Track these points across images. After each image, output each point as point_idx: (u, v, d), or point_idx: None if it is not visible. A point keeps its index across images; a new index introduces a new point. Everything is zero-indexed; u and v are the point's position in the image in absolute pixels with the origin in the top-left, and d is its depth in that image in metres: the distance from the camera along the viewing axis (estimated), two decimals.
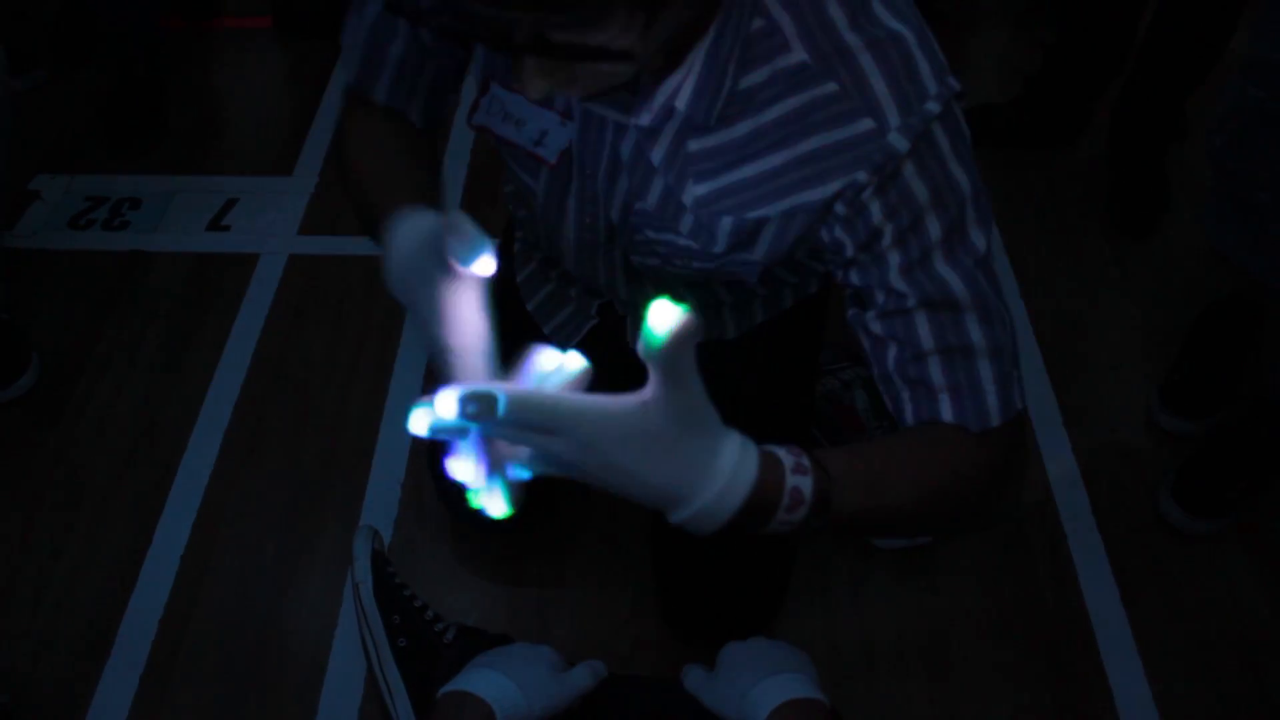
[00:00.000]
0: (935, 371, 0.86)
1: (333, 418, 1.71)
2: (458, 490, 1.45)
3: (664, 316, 0.57)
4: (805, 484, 0.71)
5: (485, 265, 0.66)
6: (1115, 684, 1.43)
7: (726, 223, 0.92)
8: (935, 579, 1.53)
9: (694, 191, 0.92)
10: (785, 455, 0.71)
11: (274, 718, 1.38)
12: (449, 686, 0.96)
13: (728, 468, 0.66)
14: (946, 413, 0.87)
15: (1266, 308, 1.55)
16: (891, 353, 0.88)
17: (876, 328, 0.89)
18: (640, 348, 0.59)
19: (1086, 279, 1.98)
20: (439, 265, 0.69)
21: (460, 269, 0.67)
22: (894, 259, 0.85)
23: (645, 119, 0.87)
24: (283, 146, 2.23)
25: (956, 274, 0.85)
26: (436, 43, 1.00)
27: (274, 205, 2.09)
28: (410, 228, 0.76)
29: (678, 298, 0.58)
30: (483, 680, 0.96)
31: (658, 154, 0.91)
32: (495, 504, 0.67)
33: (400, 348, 1.81)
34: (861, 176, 0.83)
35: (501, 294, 1.35)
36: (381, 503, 1.60)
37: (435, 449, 1.43)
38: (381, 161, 0.99)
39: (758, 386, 1.26)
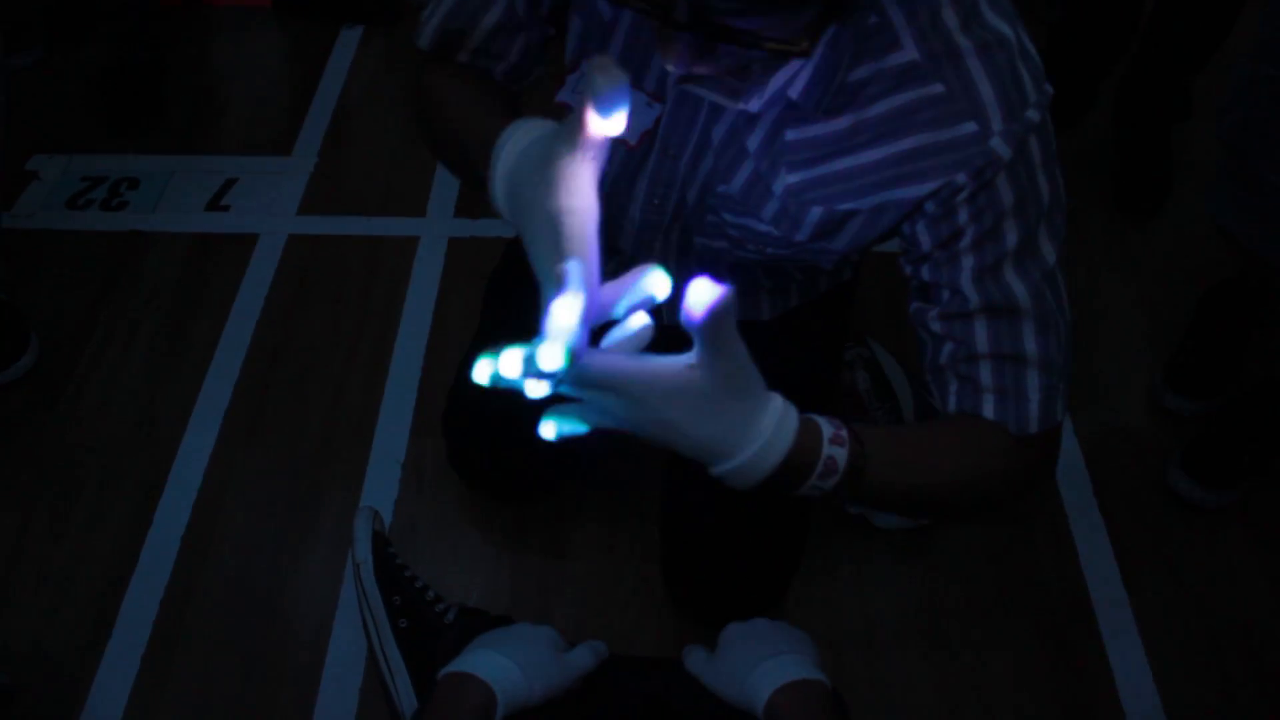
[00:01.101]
0: (985, 373, 0.89)
1: (333, 398, 1.71)
2: (470, 457, 1.44)
3: (702, 295, 0.59)
4: (840, 454, 0.74)
5: (618, 121, 0.63)
6: (1116, 663, 1.43)
7: (815, 213, 0.94)
8: (937, 559, 1.53)
9: (786, 180, 0.93)
10: (825, 424, 0.74)
11: (275, 698, 1.38)
12: (450, 667, 0.96)
13: (769, 428, 0.69)
14: (989, 411, 0.90)
15: (1273, 287, 1.54)
16: (946, 349, 0.91)
17: (937, 326, 0.92)
18: (683, 322, 0.61)
19: (1091, 259, 1.98)
20: (561, 146, 0.66)
21: (593, 119, 0.63)
22: (968, 262, 0.88)
23: (755, 104, 0.87)
24: (282, 126, 2.22)
25: (1024, 284, 0.88)
26: (533, 14, 0.99)
27: (273, 185, 2.08)
28: (525, 130, 0.74)
29: (720, 279, 0.60)
30: (484, 661, 0.95)
31: (754, 140, 0.92)
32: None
33: (400, 327, 1.81)
34: (960, 179, 0.85)
35: (523, 283, 1.36)
36: (382, 483, 1.60)
37: (449, 417, 1.44)
38: (474, 104, 0.95)
39: (787, 367, 1.26)
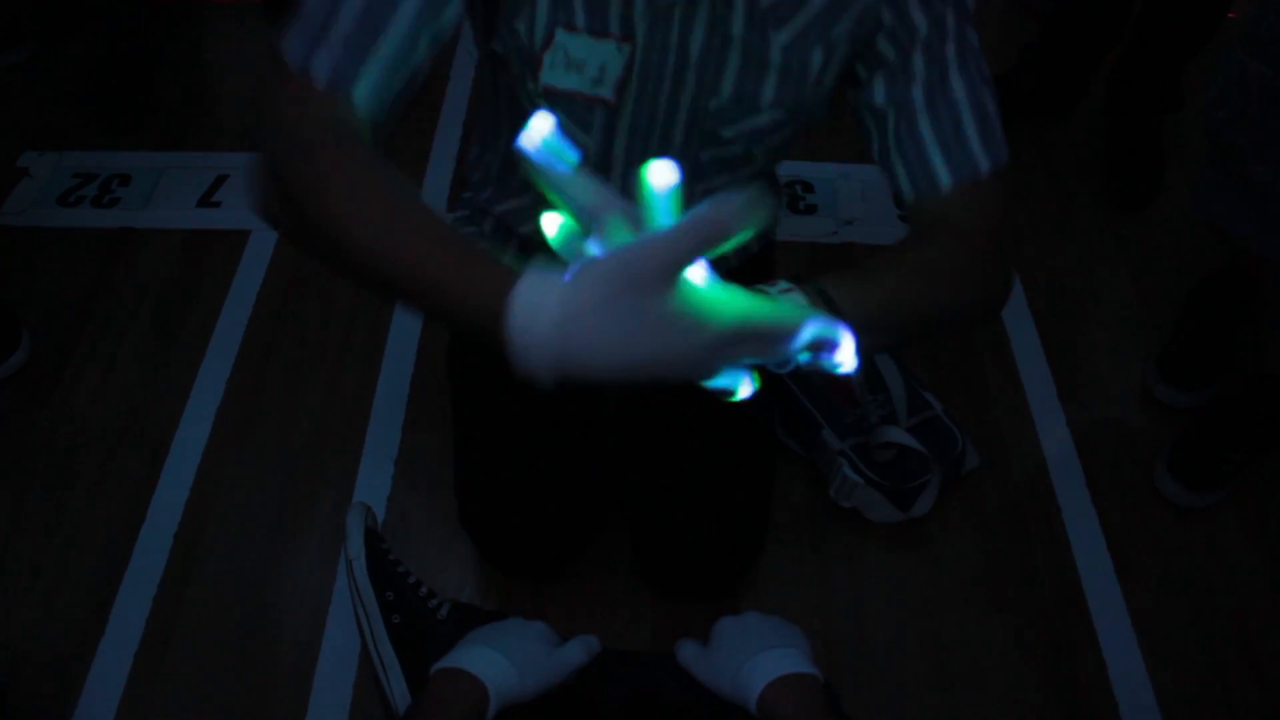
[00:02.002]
0: (926, 129, 0.96)
1: (325, 394, 1.71)
2: (486, 530, 1.44)
3: (663, 173, 0.58)
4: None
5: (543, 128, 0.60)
6: (1109, 657, 1.43)
7: (818, 54, 0.97)
8: (929, 553, 1.53)
9: (779, 41, 0.95)
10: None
11: (268, 694, 1.38)
12: (442, 663, 0.96)
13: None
14: (942, 173, 0.96)
15: (1263, 281, 1.54)
16: (890, 123, 0.97)
17: (880, 96, 0.97)
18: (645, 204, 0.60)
19: (1082, 251, 1.98)
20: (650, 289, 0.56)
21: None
22: (920, 23, 0.94)
23: None
24: None
25: (956, 34, 0.95)
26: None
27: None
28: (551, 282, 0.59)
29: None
30: (476, 656, 0.96)
31: (738, 23, 0.94)
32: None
33: (392, 323, 1.81)
34: None
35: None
36: (375, 479, 1.60)
37: (464, 497, 1.42)
38: (421, 242, 0.70)
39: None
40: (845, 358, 0.62)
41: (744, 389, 0.61)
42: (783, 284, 0.79)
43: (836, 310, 0.78)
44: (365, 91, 0.83)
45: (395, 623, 1.26)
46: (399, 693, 1.23)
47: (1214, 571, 1.53)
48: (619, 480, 1.44)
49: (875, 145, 1.00)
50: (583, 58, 0.97)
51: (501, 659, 0.95)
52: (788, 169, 1.64)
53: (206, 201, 2.03)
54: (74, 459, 1.62)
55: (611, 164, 1.07)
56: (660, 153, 1.05)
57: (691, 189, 1.10)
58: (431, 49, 0.88)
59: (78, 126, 2.17)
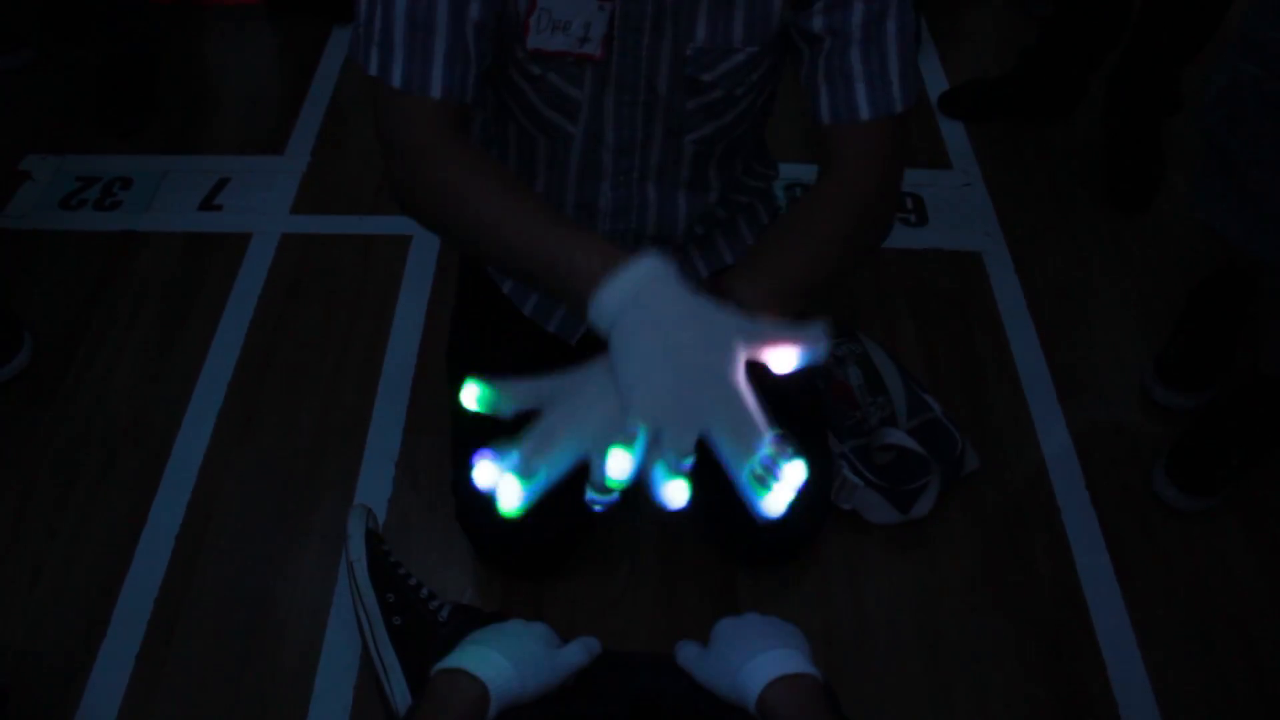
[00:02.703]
0: (855, 61, 1.03)
1: (326, 397, 1.71)
2: (484, 530, 1.47)
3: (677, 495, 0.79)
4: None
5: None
6: (1109, 657, 1.44)
7: None
8: (929, 554, 1.54)
9: None
10: None
11: (269, 696, 1.39)
12: (442, 664, 0.96)
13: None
14: (862, 105, 1.03)
15: (1259, 282, 1.55)
16: (823, 48, 1.03)
17: (818, 23, 1.02)
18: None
19: (1081, 252, 1.98)
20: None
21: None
22: None
23: None
24: (274, 125, 2.22)
25: None
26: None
27: (266, 184, 2.08)
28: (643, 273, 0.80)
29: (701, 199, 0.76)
30: (476, 657, 0.96)
31: None
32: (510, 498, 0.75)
33: (393, 326, 1.81)
34: None
35: (492, 310, 1.38)
36: (376, 481, 1.60)
37: (462, 495, 1.44)
38: (527, 214, 0.91)
39: None
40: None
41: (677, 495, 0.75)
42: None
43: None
44: (439, 88, 0.98)
45: (396, 624, 1.26)
46: (399, 694, 1.24)
47: (1214, 572, 1.53)
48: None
49: (804, 67, 1.07)
50: (566, 18, 1.02)
51: (502, 660, 0.95)
52: (788, 171, 1.64)
53: (208, 204, 2.04)
54: (76, 461, 1.62)
55: (603, 116, 1.12)
56: (647, 103, 1.11)
57: (680, 140, 1.17)
58: (481, 37, 1.00)
59: (80, 130, 2.18)
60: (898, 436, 1.52)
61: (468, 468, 1.39)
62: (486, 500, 1.38)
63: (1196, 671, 1.43)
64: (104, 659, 1.41)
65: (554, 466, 0.79)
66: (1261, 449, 1.58)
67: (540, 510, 1.41)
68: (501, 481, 0.75)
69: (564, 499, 1.38)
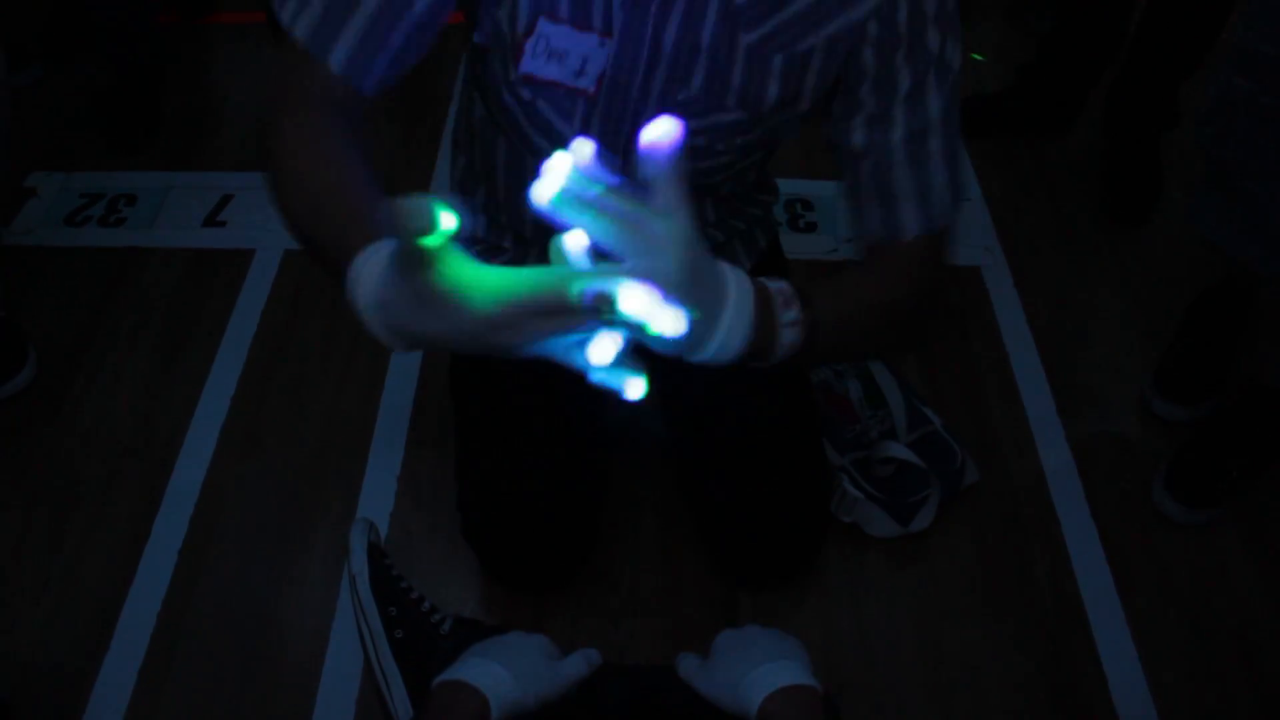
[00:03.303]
0: (902, 178, 1.01)
1: (329, 411, 1.72)
2: (491, 548, 1.47)
3: (662, 130, 0.59)
4: (785, 286, 0.79)
5: (446, 218, 0.53)
6: (1110, 669, 1.44)
7: (778, 63, 0.99)
8: (929, 566, 1.54)
9: (745, 40, 0.98)
10: (766, 281, 0.78)
11: (272, 709, 1.39)
12: (443, 676, 0.97)
13: (734, 284, 0.71)
14: (909, 220, 1.01)
15: (1257, 294, 1.55)
16: (866, 165, 1.02)
17: (859, 137, 1.01)
18: (644, 159, 0.60)
19: (1081, 266, 1.99)
20: (414, 271, 0.58)
21: (422, 246, 0.55)
22: (904, 79, 0.98)
23: None
24: None
25: (939, 94, 1.00)
26: None
27: (269, 201, 2.08)
28: (374, 261, 0.67)
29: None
30: (477, 669, 0.96)
31: (710, 19, 0.97)
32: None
33: None
34: None
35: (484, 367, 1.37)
36: (378, 495, 1.60)
37: (467, 511, 1.44)
38: (341, 187, 0.84)
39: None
40: (659, 318, 0.54)
41: (631, 389, 0.60)
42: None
43: (809, 304, 0.81)
44: (341, 59, 0.90)
45: (398, 637, 1.26)
46: (401, 707, 1.24)
47: (1214, 584, 1.53)
48: (630, 487, 1.48)
49: (847, 181, 1.05)
50: (564, 48, 0.99)
51: (503, 672, 0.96)
52: (788, 187, 1.66)
53: (212, 221, 2.05)
54: (80, 475, 1.63)
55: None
56: (631, 140, 1.07)
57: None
58: (413, 36, 0.93)
59: (84, 147, 2.19)
60: (898, 450, 1.52)
61: (472, 481, 1.41)
62: (491, 516, 1.40)
63: (1197, 683, 1.43)
64: (107, 673, 1.41)
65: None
66: (1261, 461, 1.58)
67: (545, 525, 1.42)
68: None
69: (568, 514, 1.40)
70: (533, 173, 0.73)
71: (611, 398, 0.63)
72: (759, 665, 0.98)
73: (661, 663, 1.11)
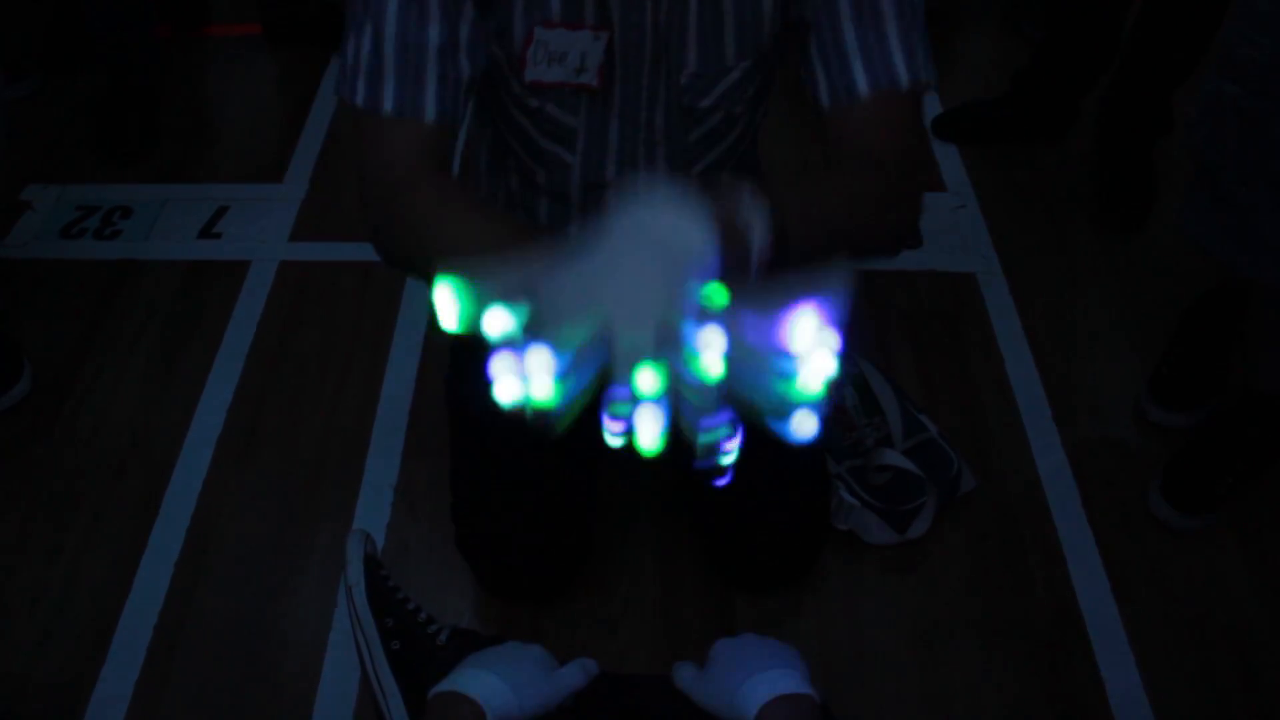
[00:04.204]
0: (850, 36, 1.00)
1: (325, 423, 1.72)
2: (486, 559, 1.47)
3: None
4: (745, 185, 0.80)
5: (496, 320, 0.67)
6: (1107, 676, 1.44)
7: None
8: (925, 574, 1.54)
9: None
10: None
11: None
12: (440, 686, 0.97)
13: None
14: (860, 79, 0.99)
15: (1248, 300, 1.56)
16: (815, 31, 1.02)
17: (809, 9, 1.01)
18: None
19: (1076, 273, 1.99)
20: None
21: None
22: None
23: None
24: (273, 154, 2.23)
25: None
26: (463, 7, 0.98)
27: (265, 212, 2.09)
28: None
29: None
30: (473, 679, 0.96)
31: None
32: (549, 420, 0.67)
33: (391, 352, 1.82)
34: None
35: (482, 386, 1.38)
36: (374, 506, 1.60)
37: (461, 521, 1.44)
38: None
39: None
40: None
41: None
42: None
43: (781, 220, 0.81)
44: (433, 108, 0.97)
45: (394, 649, 1.26)
46: (398, 718, 1.24)
47: (1211, 590, 1.53)
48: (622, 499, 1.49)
49: (804, 60, 1.05)
50: (562, 49, 1.02)
51: (499, 682, 0.96)
52: None
53: (207, 233, 2.05)
54: (76, 488, 1.63)
55: (606, 148, 1.12)
56: (648, 138, 1.11)
57: (685, 173, 1.17)
58: (472, 59, 0.99)
59: (80, 160, 2.20)
60: (894, 457, 1.53)
61: (466, 492, 1.41)
62: (485, 526, 1.40)
63: (1195, 688, 1.43)
64: (104, 685, 1.41)
65: (576, 354, 0.70)
66: (1256, 467, 1.59)
67: (539, 536, 1.42)
68: (533, 381, 0.67)
69: (562, 525, 1.40)
70: (544, 186, 0.79)
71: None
72: (755, 674, 0.97)
73: (658, 672, 1.11)
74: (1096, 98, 2.16)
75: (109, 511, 1.60)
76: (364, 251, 1.99)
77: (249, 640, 1.46)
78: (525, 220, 1.23)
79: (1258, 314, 1.52)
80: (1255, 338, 1.55)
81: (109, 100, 2.23)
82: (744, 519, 1.43)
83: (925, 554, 1.56)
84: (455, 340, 1.48)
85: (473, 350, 1.45)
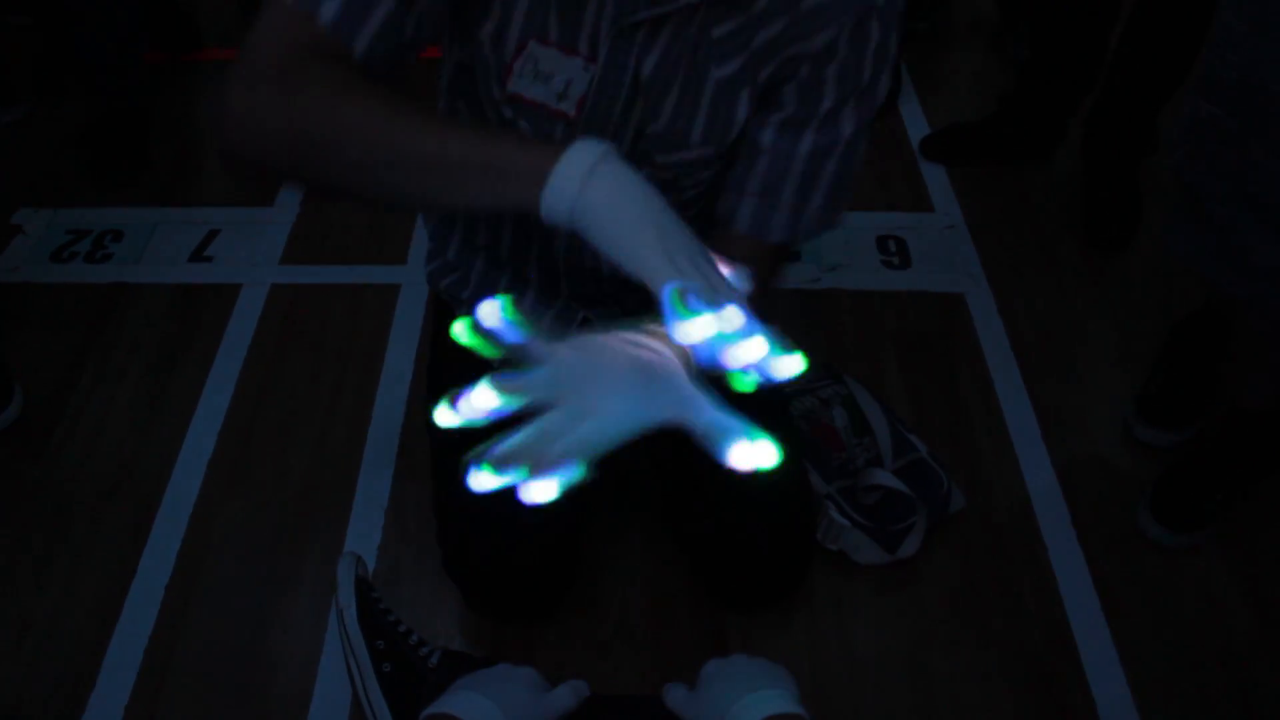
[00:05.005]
0: (788, 191, 1.08)
1: (316, 445, 1.72)
2: (474, 580, 1.46)
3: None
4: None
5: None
6: (1098, 695, 1.44)
7: (744, 99, 1.03)
8: (916, 592, 1.54)
9: (716, 75, 1.01)
10: None
11: None
12: (430, 709, 0.97)
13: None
14: (777, 232, 1.10)
15: (1233, 316, 1.57)
16: (760, 163, 1.07)
17: (768, 137, 1.06)
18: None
19: (1062, 292, 2.00)
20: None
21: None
22: (829, 96, 1.03)
23: None
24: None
25: (855, 119, 1.05)
26: None
27: (256, 236, 2.10)
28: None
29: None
30: (465, 702, 0.96)
31: (687, 51, 0.99)
32: (544, 490, 0.66)
33: (382, 374, 1.82)
34: (848, 20, 0.98)
35: (470, 365, 1.37)
36: (365, 529, 1.60)
37: (448, 547, 1.44)
38: (423, 123, 0.79)
39: None
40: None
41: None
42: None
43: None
44: (362, 48, 0.86)
45: (386, 671, 1.26)
46: None
47: (1200, 607, 1.53)
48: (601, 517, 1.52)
49: (739, 167, 1.10)
50: (550, 70, 1.02)
51: (489, 705, 0.96)
52: None
53: (198, 256, 2.06)
54: (66, 513, 1.62)
55: None
56: None
57: None
58: (421, 28, 0.91)
59: (71, 183, 2.20)
60: (884, 477, 1.53)
61: (451, 515, 1.41)
62: (471, 549, 1.40)
63: (1185, 706, 1.43)
64: (93, 709, 1.40)
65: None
66: (1244, 484, 1.59)
67: (526, 555, 1.42)
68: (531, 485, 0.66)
69: (548, 543, 1.40)
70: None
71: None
72: (746, 695, 0.98)
73: (649, 693, 1.11)
74: (1082, 118, 2.18)
75: (99, 536, 1.59)
76: (355, 274, 2.01)
77: (240, 663, 1.46)
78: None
79: (1243, 331, 1.53)
80: (1241, 355, 1.56)
81: (100, 124, 2.24)
82: (729, 537, 1.43)
83: (916, 574, 1.56)
84: (433, 370, 1.48)
85: (452, 374, 1.45)
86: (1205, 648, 1.49)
